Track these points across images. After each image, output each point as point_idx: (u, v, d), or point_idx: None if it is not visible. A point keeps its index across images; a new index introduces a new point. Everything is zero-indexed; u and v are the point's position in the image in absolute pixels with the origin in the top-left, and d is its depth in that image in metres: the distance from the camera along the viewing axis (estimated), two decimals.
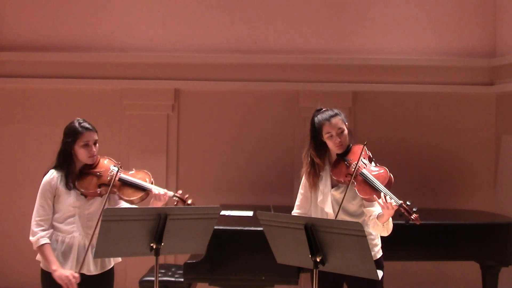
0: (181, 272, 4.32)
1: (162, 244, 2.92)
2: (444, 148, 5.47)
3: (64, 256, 3.15)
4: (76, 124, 3.21)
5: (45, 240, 3.12)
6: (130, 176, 3.25)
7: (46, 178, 3.21)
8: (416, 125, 5.47)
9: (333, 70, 5.43)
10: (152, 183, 3.24)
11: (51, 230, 3.17)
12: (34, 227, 3.14)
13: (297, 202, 3.38)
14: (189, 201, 3.21)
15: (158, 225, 2.90)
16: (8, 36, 5.54)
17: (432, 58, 5.46)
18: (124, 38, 5.51)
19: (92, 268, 3.18)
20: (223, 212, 4.29)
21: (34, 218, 3.16)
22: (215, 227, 3.11)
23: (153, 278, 3.21)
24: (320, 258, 2.77)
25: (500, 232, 4.38)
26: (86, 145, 3.18)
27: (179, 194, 3.23)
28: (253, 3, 5.53)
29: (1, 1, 5.56)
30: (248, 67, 5.44)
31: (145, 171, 3.31)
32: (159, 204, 3.17)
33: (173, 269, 4.61)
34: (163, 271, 4.51)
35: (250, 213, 4.54)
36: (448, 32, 5.50)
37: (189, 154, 5.50)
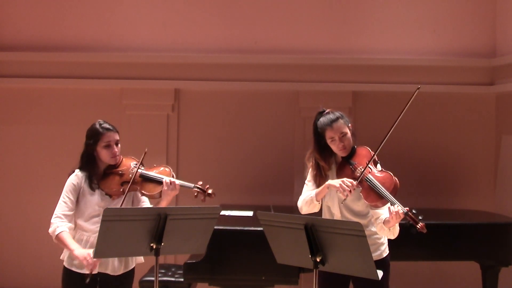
0: (181, 272, 4.32)
1: (162, 244, 2.92)
2: (444, 148, 5.47)
3: None
4: (97, 126, 3.25)
5: (62, 229, 3.12)
6: (151, 171, 3.27)
7: (72, 177, 3.26)
8: (416, 125, 5.47)
9: (333, 70, 5.43)
10: (173, 177, 3.26)
11: (71, 225, 3.18)
12: (52, 219, 3.16)
13: (307, 188, 3.29)
14: (210, 191, 3.26)
15: (158, 225, 2.90)
16: (8, 36, 5.54)
17: (432, 58, 5.46)
18: (124, 38, 5.51)
19: (117, 268, 3.21)
20: (223, 212, 4.29)
21: (55, 212, 3.19)
22: (215, 227, 3.12)
23: (153, 278, 3.21)
24: (320, 258, 2.77)
25: (500, 232, 4.38)
26: (108, 146, 3.22)
27: (200, 185, 3.25)
28: (253, 3, 5.53)
29: (1, 1, 5.56)
30: (248, 67, 5.44)
31: (166, 165, 3.34)
32: (171, 194, 3.18)
33: (173, 269, 4.61)
34: (163, 271, 4.51)
35: (250, 213, 4.54)
36: (448, 32, 5.50)
37: (189, 154, 5.50)
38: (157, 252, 2.95)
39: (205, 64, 5.45)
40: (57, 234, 3.12)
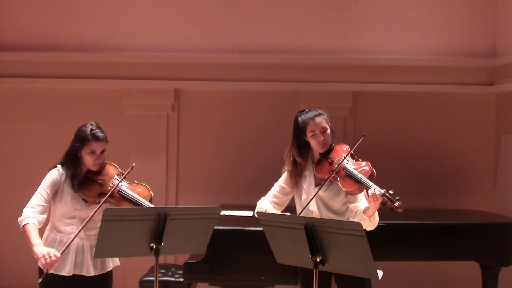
0: (181, 272, 4.32)
1: (162, 244, 2.92)
2: (444, 148, 5.47)
3: (62, 257, 3.10)
4: (88, 131, 3.17)
5: (30, 220, 3.06)
6: (131, 189, 3.21)
7: (53, 171, 3.21)
8: (416, 125, 5.47)
9: (333, 70, 5.43)
10: (151, 198, 3.22)
11: (43, 217, 3.13)
12: (25, 209, 3.11)
13: (272, 191, 3.45)
14: None
15: (158, 225, 2.90)
16: (8, 36, 5.54)
17: (432, 58, 5.46)
18: (124, 38, 5.51)
19: (91, 270, 3.17)
20: (223, 212, 4.28)
21: (29, 202, 3.13)
22: (215, 227, 3.12)
23: (153, 278, 3.21)
24: (320, 258, 2.77)
25: (500, 232, 4.37)
26: (93, 153, 3.16)
27: None
28: (253, 3, 5.53)
29: (1, 1, 5.56)
30: (248, 67, 5.44)
31: (145, 185, 3.27)
32: None
33: (173, 269, 4.61)
34: (163, 271, 4.51)
35: (250, 213, 4.54)
36: (448, 32, 5.50)
37: (189, 154, 5.50)
38: (157, 252, 2.95)
39: (205, 64, 5.45)
40: (23, 225, 3.04)
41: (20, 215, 3.13)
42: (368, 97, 5.47)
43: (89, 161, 3.17)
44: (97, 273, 3.20)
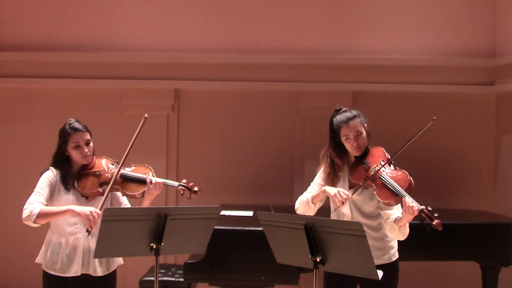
0: (181, 272, 4.33)
1: (162, 244, 2.92)
2: (444, 148, 5.47)
3: (69, 258, 3.11)
4: (66, 126, 3.18)
5: (40, 206, 2.99)
6: (131, 171, 3.23)
7: (48, 172, 3.18)
8: (416, 125, 5.41)
9: (333, 70, 5.43)
10: (153, 174, 3.22)
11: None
12: (26, 206, 3.02)
13: (309, 190, 3.28)
14: (195, 188, 3.22)
15: (158, 225, 2.90)
16: (8, 36, 5.54)
17: (432, 58, 5.46)
18: (124, 38, 5.51)
19: (98, 269, 3.16)
20: (223, 212, 4.29)
21: (28, 201, 3.05)
22: (215, 227, 3.12)
23: (153, 278, 3.21)
24: (320, 258, 2.77)
25: (500, 232, 4.38)
26: (77, 146, 3.15)
27: (184, 183, 3.22)
28: (253, 3, 5.53)
29: (2, 1, 5.56)
30: (248, 67, 5.44)
31: (146, 165, 3.29)
32: (154, 193, 3.15)
33: (173, 269, 4.61)
34: (163, 271, 4.52)
35: (250, 213, 4.54)
36: (448, 32, 5.50)
37: (189, 154, 5.50)
38: (157, 252, 2.94)
39: (205, 64, 5.45)
40: (38, 212, 2.96)
41: (21, 215, 3.06)
42: (368, 97, 5.47)
43: (77, 155, 3.16)
44: (103, 273, 3.19)
